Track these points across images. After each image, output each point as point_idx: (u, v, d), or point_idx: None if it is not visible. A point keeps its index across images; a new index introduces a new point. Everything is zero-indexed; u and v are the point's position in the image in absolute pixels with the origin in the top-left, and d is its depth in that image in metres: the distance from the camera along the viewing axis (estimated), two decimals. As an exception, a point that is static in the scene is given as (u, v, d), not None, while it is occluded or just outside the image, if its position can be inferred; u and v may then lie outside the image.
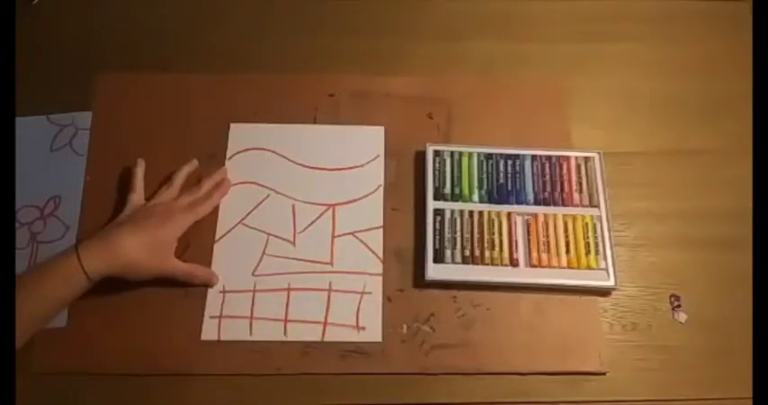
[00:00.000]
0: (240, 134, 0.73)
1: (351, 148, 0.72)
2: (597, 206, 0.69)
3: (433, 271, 0.65)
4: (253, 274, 0.66)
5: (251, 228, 0.68)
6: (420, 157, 0.72)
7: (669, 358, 0.64)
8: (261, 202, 0.69)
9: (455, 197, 0.69)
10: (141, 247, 0.59)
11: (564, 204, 0.69)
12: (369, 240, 0.67)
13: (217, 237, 0.67)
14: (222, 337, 0.63)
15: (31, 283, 0.56)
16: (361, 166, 0.71)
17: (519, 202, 0.69)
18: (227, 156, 0.71)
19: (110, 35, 0.79)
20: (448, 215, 0.68)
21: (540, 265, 0.66)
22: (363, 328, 0.63)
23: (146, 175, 0.69)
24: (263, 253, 0.67)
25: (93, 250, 0.58)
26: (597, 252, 0.66)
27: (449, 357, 0.63)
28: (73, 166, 0.70)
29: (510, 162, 0.71)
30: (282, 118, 0.74)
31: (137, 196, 0.66)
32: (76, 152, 0.71)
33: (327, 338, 0.63)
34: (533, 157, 0.71)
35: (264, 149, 0.72)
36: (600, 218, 0.68)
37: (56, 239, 0.66)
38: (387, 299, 0.65)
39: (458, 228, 0.67)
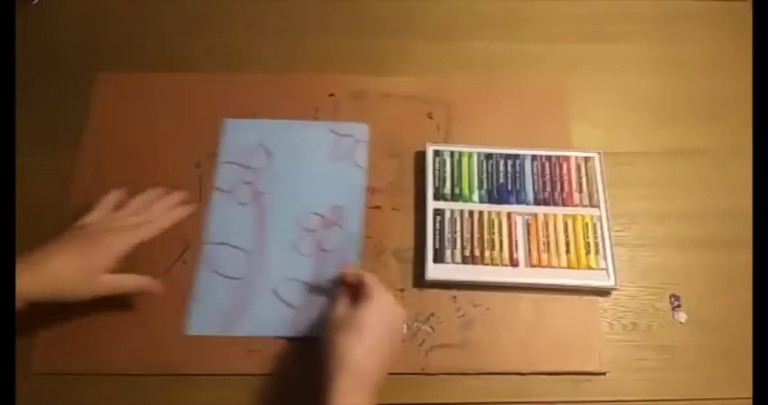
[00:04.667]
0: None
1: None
2: (597, 206, 0.69)
3: (433, 271, 0.65)
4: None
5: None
6: (420, 157, 0.72)
7: (669, 358, 0.64)
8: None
9: (455, 197, 0.69)
10: (70, 271, 0.56)
11: (564, 204, 0.69)
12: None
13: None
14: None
15: None
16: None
17: (519, 202, 0.69)
18: None
19: (110, 35, 0.79)
20: (448, 215, 0.68)
21: (540, 265, 0.66)
22: None
23: (145, 177, 0.69)
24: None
25: (22, 276, 0.54)
26: (597, 252, 0.66)
27: (449, 357, 0.63)
28: (354, 177, 0.71)
29: (510, 162, 0.71)
30: (283, 118, 0.74)
31: (88, 217, 0.62)
32: (357, 164, 0.71)
33: None
34: (533, 157, 0.71)
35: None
36: (600, 218, 0.68)
37: (342, 250, 0.67)
38: (387, 299, 0.65)
39: (458, 228, 0.67)
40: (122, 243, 0.59)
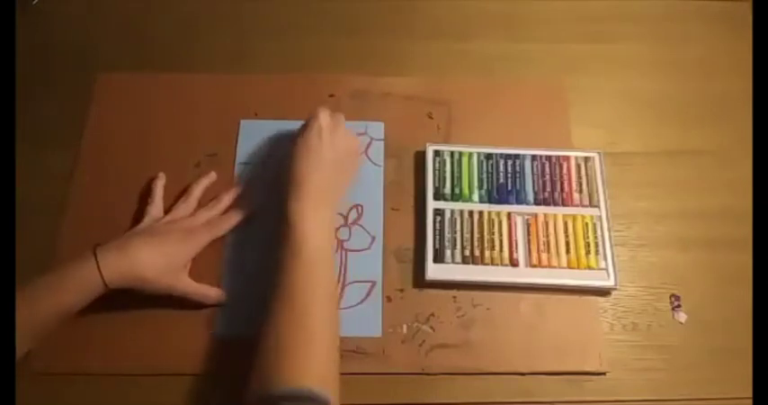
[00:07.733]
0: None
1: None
2: (597, 206, 0.69)
3: (433, 271, 0.65)
4: None
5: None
6: (420, 157, 0.72)
7: (669, 358, 0.64)
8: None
9: (455, 197, 0.69)
10: (157, 263, 0.59)
11: (564, 204, 0.69)
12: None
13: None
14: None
15: (45, 287, 0.56)
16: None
17: (519, 202, 0.69)
18: None
19: (110, 35, 0.79)
20: (448, 215, 0.68)
21: (540, 265, 0.66)
22: None
23: (145, 177, 0.69)
24: None
25: (111, 258, 0.57)
26: (597, 252, 0.66)
27: (449, 357, 0.63)
28: (372, 175, 0.71)
29: (510, 162, 0.71)
30: (283, 118, 0.73)
31: (155, 209, 0.66)
32: (374, 162, 0.71)
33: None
34: (533, 157, 0.71)
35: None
36: (600, 218, 0.68)
37: (364, 249, 0.67)
38: (387, 299, 0.65)
39: (458, 228, 0.67)
40: (202, 243, 0.63)
